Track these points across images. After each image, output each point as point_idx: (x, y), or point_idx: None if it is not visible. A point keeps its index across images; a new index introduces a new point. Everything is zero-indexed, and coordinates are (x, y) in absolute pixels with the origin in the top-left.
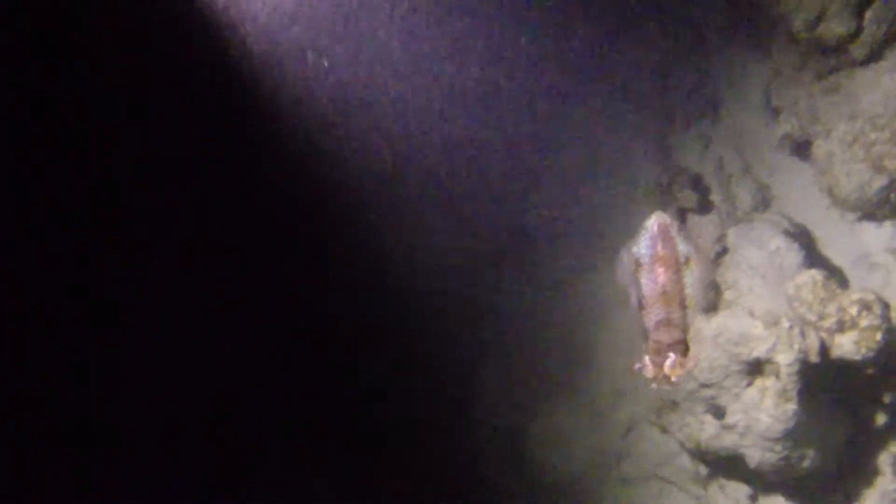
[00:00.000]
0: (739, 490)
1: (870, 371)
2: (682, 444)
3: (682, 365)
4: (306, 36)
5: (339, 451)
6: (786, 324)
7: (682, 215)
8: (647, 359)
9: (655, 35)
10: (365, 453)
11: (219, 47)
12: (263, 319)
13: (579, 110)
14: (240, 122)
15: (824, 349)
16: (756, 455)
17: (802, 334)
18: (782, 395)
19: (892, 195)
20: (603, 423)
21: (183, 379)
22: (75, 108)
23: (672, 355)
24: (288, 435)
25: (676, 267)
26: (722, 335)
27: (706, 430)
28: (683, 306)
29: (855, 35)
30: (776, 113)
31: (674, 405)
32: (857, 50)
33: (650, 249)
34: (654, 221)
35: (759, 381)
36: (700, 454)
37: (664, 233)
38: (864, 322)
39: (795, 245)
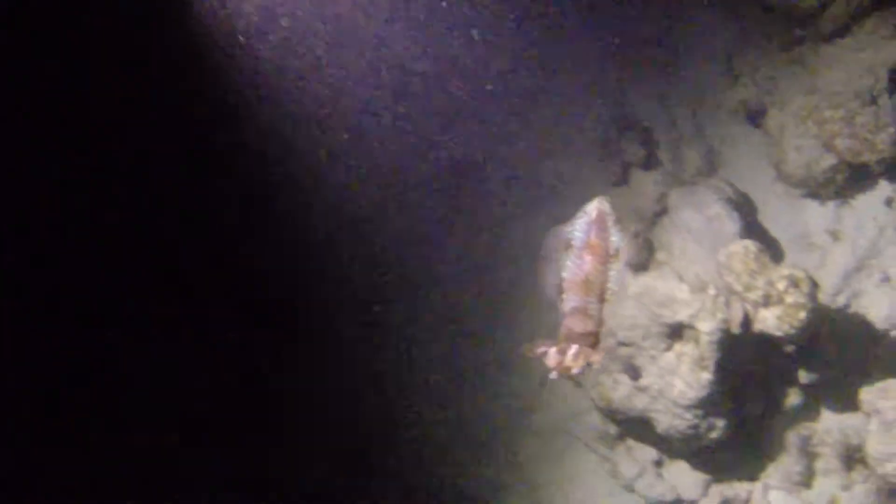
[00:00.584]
0: (646, 454)
1: (789, 349)
2: (593, 402)
3: (586, 358)
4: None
5: None
6: (712, 291)
7: (625, 169)
8: (551, 348)
9: None
10: None
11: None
12: None
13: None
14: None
15: (747, 321)
16: (665, 420)
17: (727, 304)
18: (699, 362)
19: (838, 176)
20: (518, 373)
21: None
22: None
23: (576, 347)
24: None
25: (605, 258)
26: (646, 295)
27: (619, 389)
28: (602, 299)
29: (824, 8)
30: (736, 78)
31: None
32: (826, 24)
33: (584, 234)
34: (595, 208)
35: (677, 346)
36: (611, 413)
37: (601, 221)
38: (790, 299)
39: (735, 214)
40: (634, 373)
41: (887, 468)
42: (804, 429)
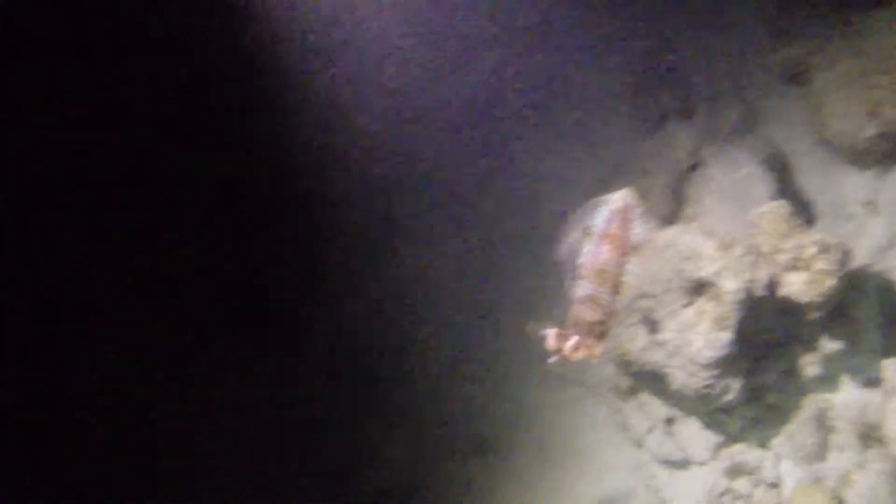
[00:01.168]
0: (658, 410)
1: (813, 316)
2: (608, 352)
3: (587, 349)
4: None
5: None
6: (739, 250)
7: (661, 119)
8: (553, 330)
9: None
10: None
11: None
12: None
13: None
14: None
15: (772, 284)
16: (680, 377)
17: (753, 264)
18: (719, 321)
19: (881, 145)
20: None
21: None
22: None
23: (577, 337)
24: None
25: (624, 250)
26: (672, 248)
27: (636, 342)
28: (616, 291)
29: None
30: (782, 36)
31: None
32: None
33: (605, 223)
34: (621, 198)
35: (698, 303)
36: (625, 365)
37: (625, 213)
38: (818, 265)
39: (769, 175)
40: (652, 326)
41: None
42: (822, 401)
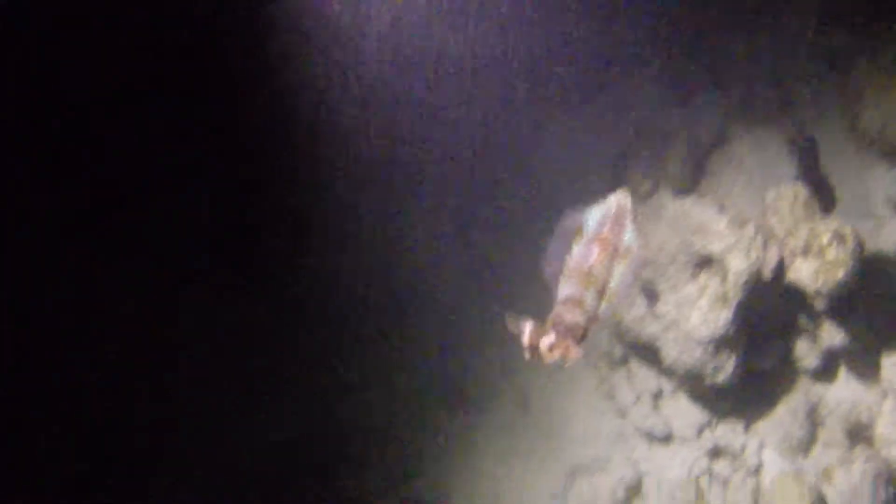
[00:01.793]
0: (647, 383)
1: (819, 305)
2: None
3: (564, 350)
4: None
5: None
6: (751, 229)
7: (689, 91)
8: (530, 326)
9: None
10: None
11: None
12: None
13: None
14: None
15: (781, 268)
16: (673, 352)
17: (765, 245)
18: (721, 299)
19: None
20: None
21: None
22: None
23: (553, 337)
24: None
25: (614, 255)
26: (682, 219)
27: (633, 310)
28: (601, 295)
29: None
30: (829, 18)
31: None
32: None
33: (598, 225)
34: (615, 201)
35: (702, 279)
36: (619, 333)
37: (619, 216)
38: (831, 254)
39: (794, 159)
40: (652, 296)
41: (893, 452)
42: (814, 394)
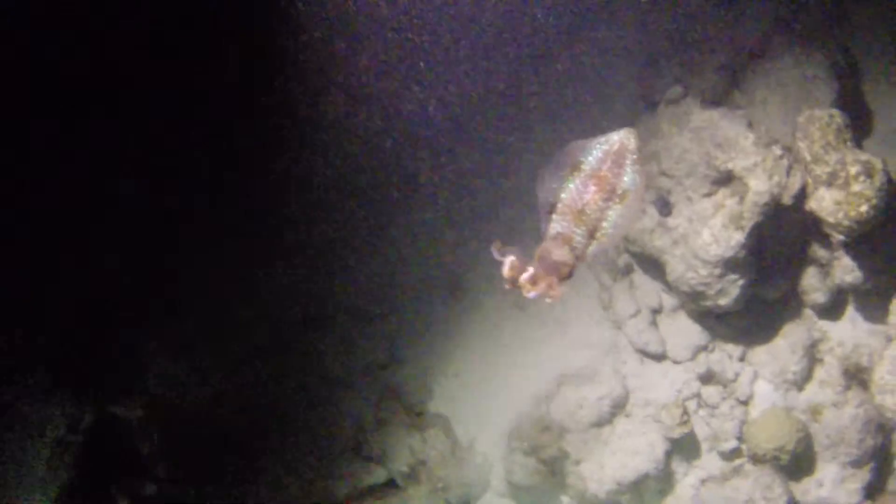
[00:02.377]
0: (647, 298)
1: (836, 239)
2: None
3: (546, 287)
4: None
5: None
6: (777, 150)
7: None
8: (511, 258)
9: None
10: None
11: None
12: None
13: None
14: None
15: (802, 195)
16: (679, 268)
17: (789, 170)
18: (736, 220)
19: None
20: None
21: None
22: None
23: (534, 271)
24: None
25: (610, 195)
26: (707, 130)
27: (644, 221)
28: (592, 235)
29: None
30: None
31: None
32: None
33: (597, 162)
34: (618, 139)
35: (720, 195)
36: (626, 242)
37: (620, 155)
38: (857, 186)
39: (836, 84)
40: (665, 208)
41: (887, 400)
42: (817, 330)
